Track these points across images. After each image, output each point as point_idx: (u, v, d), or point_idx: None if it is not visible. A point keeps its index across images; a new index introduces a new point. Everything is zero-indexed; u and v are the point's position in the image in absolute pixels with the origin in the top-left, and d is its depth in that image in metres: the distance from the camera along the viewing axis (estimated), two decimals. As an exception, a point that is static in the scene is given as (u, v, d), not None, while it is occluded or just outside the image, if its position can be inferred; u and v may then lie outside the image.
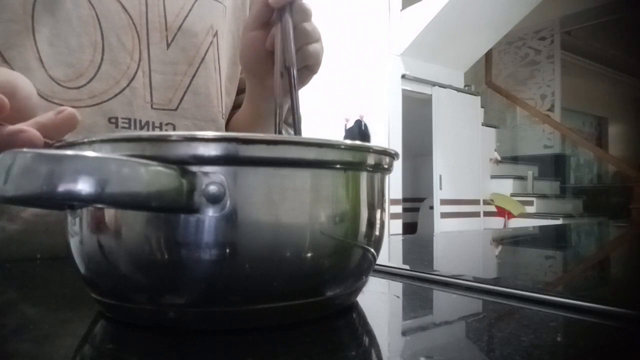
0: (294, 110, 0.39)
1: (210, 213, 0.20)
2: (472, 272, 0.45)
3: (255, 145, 0.21)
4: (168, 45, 0.55)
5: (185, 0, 0.57)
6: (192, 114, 0.57)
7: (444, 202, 3.99)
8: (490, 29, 4.02)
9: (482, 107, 4.58)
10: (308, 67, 0.47)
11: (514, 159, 5.27)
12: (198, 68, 0.57)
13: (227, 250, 0.21)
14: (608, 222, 2.66)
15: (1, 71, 0.31)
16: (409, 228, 4.50)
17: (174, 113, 0.55)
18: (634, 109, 6.49)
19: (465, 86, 4.38)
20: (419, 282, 0.36)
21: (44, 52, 0.48)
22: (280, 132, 0.40)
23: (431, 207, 4.08)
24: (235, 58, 0.65)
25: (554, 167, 5.33)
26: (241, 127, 0.63)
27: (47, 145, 0.27)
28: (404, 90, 3.88)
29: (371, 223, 0.26)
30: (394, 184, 3.71)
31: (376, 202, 0.26)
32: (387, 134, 3.77)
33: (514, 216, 4.23)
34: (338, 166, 0.24)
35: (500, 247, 0.69)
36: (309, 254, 0.23)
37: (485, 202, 4.36)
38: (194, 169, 0.20)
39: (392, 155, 0.27)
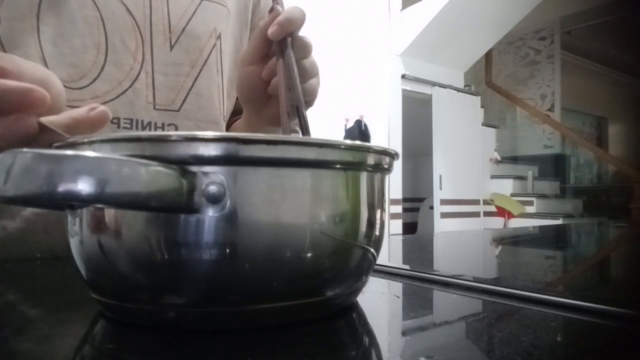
0: None
1: (210, 213, 0.20)
2: (472, 272, 0.45)
3: (255, 145, 0.21)
4: (171, 47, 0.55)
5: (190, 3, 0.57)
6: (195, 115, 0.57)
7: (444, 202, 3.99)
8: (490, 29, 4.02)
9: (482, 107, 4.58)
10: (304, 102, 0.47)
11: (514, 159, 5.27)
12: (201, 70, 0.57)
13: (227, 250, 0.21)
14: (608, 222, 2.66)
15: (37, 67, 0.30)
16: (409, 228, 4.50)
17: (176, 114, 0.55)
18: (634, 109, 6.49)
19: (465, 86, 4.38)
20: (419, 282, 0.36)
21: (47, 52, 0.48)
22: None
23: (431, 207, 4.08)
24: (238, 61, 0.65)
25: (554, 167, 5.33)
26: None
27: (48, 134, 0.27)
28: (404, 90, 3.88)
29: (371, 223, 0.26)
30: (394, 184, 3.71)
31: (376, 202, 0.26)
32: (387, 134, 3.77)
33: (514, 216, 4.23)
34: (338, 166, 0.24)
35: (500, 247, 0.69)
36: (309, 254, 0.23)
37: (485, 202, 4.36)
38: (194, 169, 0.20)
39: (392, 155, 0.27)
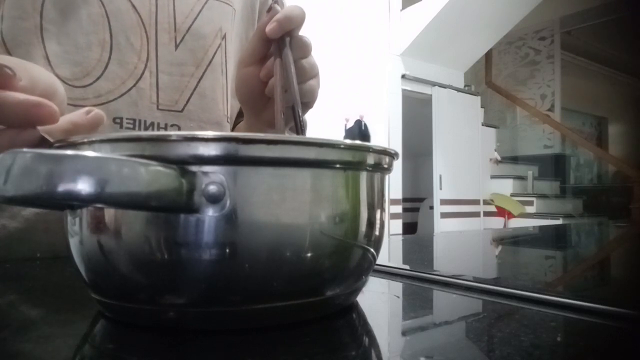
0: None
1: (210, 213, 0.20)
2: (472, 272, 0.45)
3: (255, 145, 0.21)
4: (176, 47, 0.55)
5: (195, 2, 0.57)
6: (198, 116, 0.57)
7: (444, 202, 3.99)
8: (490, 29, 4.02)
9: (482, 107, 4.58)
10: (303, 103, 0.46)
11: (514, 159, 5.27)
12: (205, 70, 0.57)
13: (227, 250, 0.21)
14: (608, 222, 2.66)
15: (46, 74, 0.30)
16: (409, 228, 4.50)
17: (179, 114, 0.55)
18: (634, 109, 6.49)
19: (465, 86, 4.38)
20: (419, 282, 0.36)
21: (51, 50, 0.48)
22: None
23: (431, 207, 4.07)
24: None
25: (554, 167, 5.33)
26: None
27: (46, 145, 0.27)
28: (404, 90, 3.88)
29: (371, 223, 0.26)
30: (394, 184, 3.71)
31: (376, 202, 0.26)
32: (387, 134, 3.77)
33: (514, 216, 4.23)
34: (338, 166, 0.24)
35: (500, 247, 0.69)
36: (309, 254, 0.23)
37: (485, 202, 4.36)
38: (194, 168, 0.20)
39: (392, 155, 0.27)
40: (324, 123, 3.82)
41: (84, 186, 0.18)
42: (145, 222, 0.21)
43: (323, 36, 4.04)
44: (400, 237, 1.46)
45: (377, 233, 0.26)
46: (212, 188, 0.20)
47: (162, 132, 0.36)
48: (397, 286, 0.35)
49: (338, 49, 4.07)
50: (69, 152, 0.18)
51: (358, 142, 0.25)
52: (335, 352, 0.20)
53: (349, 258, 0.25)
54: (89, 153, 0.19)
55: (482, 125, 4.50)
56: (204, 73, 0.57)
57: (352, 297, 0.27)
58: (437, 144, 3.99)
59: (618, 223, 1.58)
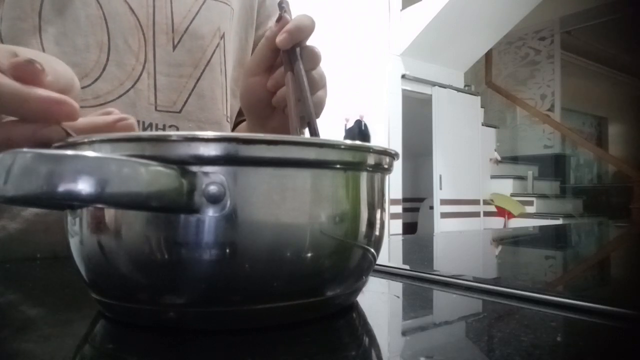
0: None
1: (210, 213, 0.20)
2: (472, 272, 0.45)
3: (255, 145, 0.21)
4: (174, 48, 0.55)
5: (193, 3, 0.57)
6: (197, 116, 0.57)
7: (444, 202, 3.99)
8: (490, 29, 4.02)
9: (482, 107, 4.58)
10: None
11: (514, 159, 5.27)
12: (204, 71, 0.57)
13: (227, 250, 0.21)
14: (608, 222, 2.66)
15: (62, 66, 0.30)
16: (409, 228, 4.50)
17: (177, 115, 0.55)
18: (634, 109, 6.48)
19: (465, 86, 4.38)
20: (419, 282, 0.36)
21: (49, 51, 0.48)
22: None
23: (431, 207, 4.08)
24: (242, 60, 0.65)
25: (554, 167, 5.33)
26: None
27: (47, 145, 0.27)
28: (404, 90, 3.88)
29: (371, 223, 0.26)
30: (394, 184, 3.71)
31: (376, 202, 0.26)
32: (387, 134, 3.77)
33: (514, 216, 4.23)
34: (338, 166, 0.24)
35: (500, 247, 0.69)
36: (309, 254, 0.23)
37: (485, 202, 4.36)
38: (194, 169, 0.20)
39: (392, 155, 0.27)
40: (324, 123, 3.82)
41: (84, 186, 0.18)
42: (145, 222, 0.21)
43: (323, 36, 4.04)
44: (400, 237, 1.46)
45: (377, 233, 0.27)
46: (213, 188, 0.20)
47: (162, 132, 0.36)
48: (397, 286, 0.35)
49: (338, 49, 4.07)
50: (69, 152, 0.18)
51: (358, 142, 0.25)
52: (335, 352, 0.20)
53: (349, 258, 0.25)
54: (89, 153, 0.19)
55: (482, 125, 4.50)
56: (202, 73, 0.57)
57: (352, 297, 0.27)
58: (437, 144, 3.99)
59: (618, 223, 1.58)
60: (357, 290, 0.28)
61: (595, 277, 0.47)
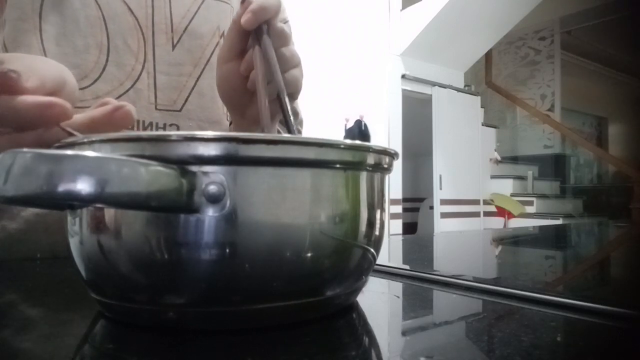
0: None
1: (210, 213, 0.20)
2: (472, 272, 0.45)
3: (255, 145, 0.21)
4: (173, 47, 0.55)
5: (192, 2, 0.57)
6: (197, 115, 0.57)
7: (444, 202, 3.99)
8: (490, 29, 4.02)
9: (482, 107, 4.58)
10: (288, 94, 0.43)
11: (514, 159, 5.27)
12: (203, 69, 0.57)
13: (227, 250, 0.21)
14: (608, 222, 2.66)
15: (49, 65, 0.30)
16: (409, 228, 4.50)
17: (178, 114, 0.55)
18: (634, 109, 6.48)
19: (465, 86, 4.38)
20: (419, 282, 0.36)
21: (50, 52, 0.48)
22: None
23: (431, 207, 4.07)
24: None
25: (554, 167, 5.33)
26: None
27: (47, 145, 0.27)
28: (404, 90, 3.88)
29: (371, 223, 0.26)
30: (394, 184, 3.71)
31: (376, 202, 0.26)
32: (387, 134, 3.77)
33: (514, 216, 4.23)
34: (338, 166, 0.24)
35: (500, 247, 0.69)
36: (309, 254, 0.23)
37: (485, 202, 4.36)
38: (194, 168, 0.20)
39: (392, 155, 0.27)
40: (324, 123, 3.83)
41: (84, 186, 0.18)
42: (145, 222, 0.21)
43: (323, 36, 4.05)
44: (400, 237, 1.46)
45: (377, 233, 0.26)
46: (212, 188, 0.20)
47: (162, 132, 0.36)
48: (397, 286, 0.35)
49: (338, 49, 4.07)
50: (69, 152, 0.18)
51: (358, 142, 0.25)
52: (335, 352, 0.20)
53: (349, 258, 0.25)
54: (89, 153, 0.19)
55: (482, 125, 4.50)
56: (202, 72, 0.57)
57: (352, 297, 0.27)
58: (437, 144, 3.99)
59: (618, 223, 1.58)
60: (357, 290, 0.28)
61: (595, 277, 0.47)
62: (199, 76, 0.57)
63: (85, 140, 0.22)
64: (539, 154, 5.39)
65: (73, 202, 0.19)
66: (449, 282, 0.34)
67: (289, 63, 0.43)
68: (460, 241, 0.78)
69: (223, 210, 0.21)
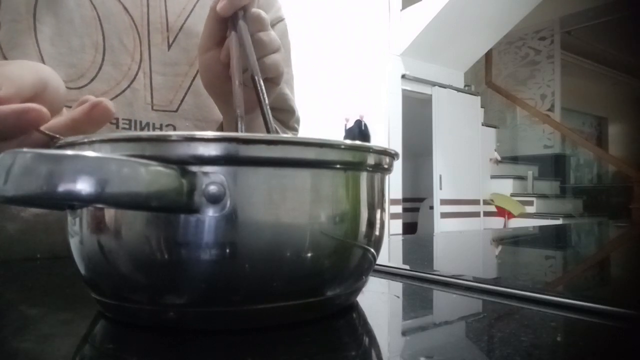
0: (266, 125, 0.36)
1: (210, 213, 0.20)
2: (472, 272, 0.45)
3: (255, 145, 0.21)
4: (169, 47, 0.55)
5: (187, 1, 0.57)
6: (193, 115, 0.57)
7: (444, 202, 3.99)
8: (490, 29, 4.02)
9: (482, 107, 4.58)
10: (269, 79, 0.43)
11: (514, 159, 5.27)
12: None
13: (227, 250, 0.21)
14: (608, 222, 2.66)
15: (26, 70, 0.30)
16: (409, 228, 4.50)
17: (174, 114, 0.55)
18: (634, 109, 6.48)
19: (465, 86, 4.38)
20: (419, 282, 0.36)
21: (45, 52, 0.48)
22: None
23: (431, 207, 4.07)
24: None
25: (554, 167, 5.33)
26: None
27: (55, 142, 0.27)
28: (404, 90, 3.88)
29: (371, 223, 0.26)
30: (394, 184, 3.71)
31: (376, 202, 0.26)
32: (387, 134, 3.77)
33: (514, 216, 4.23)
34: (338, 166, 0.24)
35: (500, 247, 0.69)
36: (309, 254, 0.23)
37: (485, 202, 4.36)
38: (194, 169, 0.20)
39: (392, 155, 0.27)
40: (324, 123, 3.83)
41: (84, 186, 0.18)
42: (145, 222, 0.21)
43: (323, 36, 4.05)
44: (400, 237, 1.46)
45: (377, 233, 0.26)
46: (213, 188, 0.20)
47: (162, 132, 0.36)
48: (397, 286, 0.35)
49: (338, 49, 4.07)
50: (69, 152, 0.18)
51: (358, 142, 0.25)
52: (335, 352, 0.20)
53: (349, 258, 0.25)
54: (89, 153, 0.19)
55: (482, 125, 4.50)
56: (198, 72, 0.57)
57: (352, 297, 0.27)
58: (437, 144, 3.99)
59: (618, 223, 1.58)
60: (357, 290, 0.28)
61: (595, 277, 0.47)
62: (195, 75, 0.57)
63: (85, 140, 0.22)
64: (539, 154, 5.39)
65: (73, 202, 0.19)
66: (449, 282, 0.34)
67: (268, 48, 0.42)
68: (460, 241, 0.78)
69: (223, 211, 0.21)
